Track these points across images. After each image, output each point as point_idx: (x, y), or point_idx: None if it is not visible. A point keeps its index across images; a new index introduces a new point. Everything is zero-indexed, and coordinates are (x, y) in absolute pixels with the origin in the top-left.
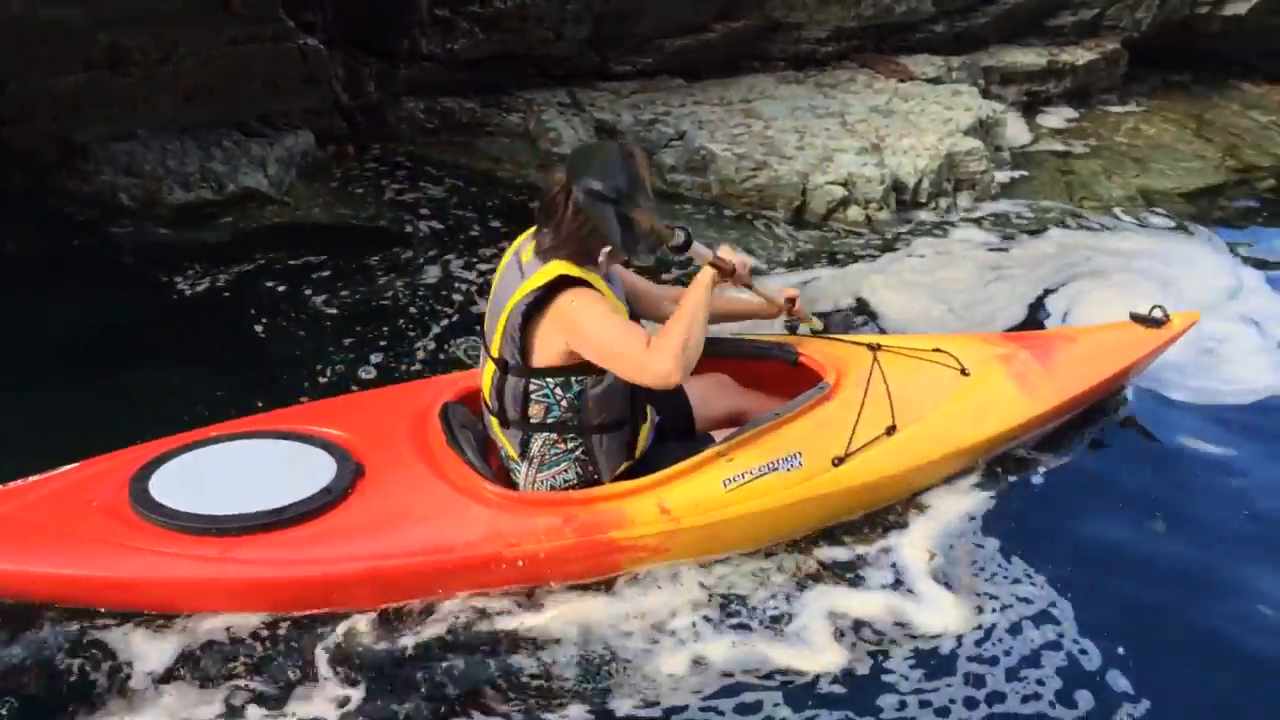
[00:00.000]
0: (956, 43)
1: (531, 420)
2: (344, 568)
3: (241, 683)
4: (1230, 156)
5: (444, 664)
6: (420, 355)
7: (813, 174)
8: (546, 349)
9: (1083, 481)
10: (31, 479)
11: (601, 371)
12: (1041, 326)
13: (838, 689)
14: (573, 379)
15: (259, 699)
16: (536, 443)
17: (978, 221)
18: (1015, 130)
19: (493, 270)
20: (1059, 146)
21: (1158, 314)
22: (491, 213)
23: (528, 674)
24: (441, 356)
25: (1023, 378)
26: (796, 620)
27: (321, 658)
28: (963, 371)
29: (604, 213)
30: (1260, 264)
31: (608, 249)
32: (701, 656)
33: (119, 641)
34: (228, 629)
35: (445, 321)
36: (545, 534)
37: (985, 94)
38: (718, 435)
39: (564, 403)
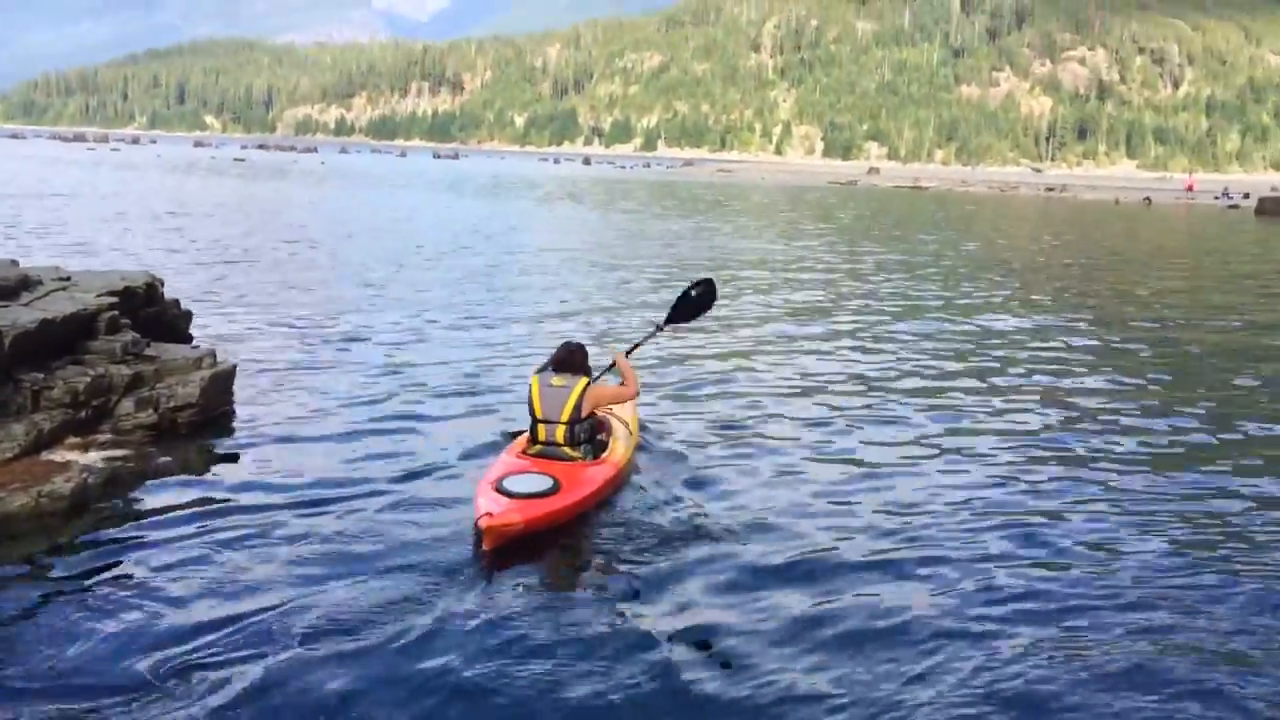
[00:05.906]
0: None
1: (582, 440)
2: (579, 499)
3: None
4: None
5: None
6: None
7: None
8: (588, 408)
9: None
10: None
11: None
12: None
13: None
14: (595, 418)
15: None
16: (584, 447)
17: None
18: None
19: None
20: None
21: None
22: None
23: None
24: None
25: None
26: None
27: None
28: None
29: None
30: None
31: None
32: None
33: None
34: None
35: None
36: (610, 470)
37: None
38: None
39: (592, 427)
